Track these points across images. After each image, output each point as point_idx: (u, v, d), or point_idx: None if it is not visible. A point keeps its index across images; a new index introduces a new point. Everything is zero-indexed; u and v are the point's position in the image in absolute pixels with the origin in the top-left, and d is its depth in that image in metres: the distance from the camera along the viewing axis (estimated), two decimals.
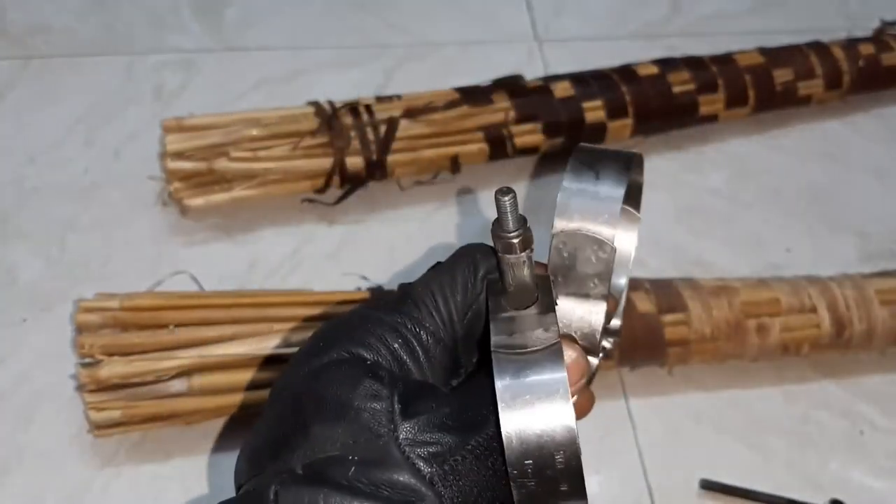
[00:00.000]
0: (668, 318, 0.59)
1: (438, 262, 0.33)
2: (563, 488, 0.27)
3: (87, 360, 0.53)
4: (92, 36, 0.76)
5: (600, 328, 0.31)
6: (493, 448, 0.28)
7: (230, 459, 0.32)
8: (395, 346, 0.30)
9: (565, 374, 0.27)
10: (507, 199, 0.28)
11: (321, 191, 0.66)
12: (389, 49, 0.79)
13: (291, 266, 0.64)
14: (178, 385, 0.53)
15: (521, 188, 0.71)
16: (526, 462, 0.27)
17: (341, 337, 0.30)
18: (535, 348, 0.28)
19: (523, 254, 0.29)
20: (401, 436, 0.27)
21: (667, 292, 0.60)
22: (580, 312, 0.31)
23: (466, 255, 0.32)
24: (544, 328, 0.28)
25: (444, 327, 0.31)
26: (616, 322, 0.36)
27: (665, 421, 0.60)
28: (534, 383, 0.27)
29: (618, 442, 0.59)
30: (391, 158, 0.66)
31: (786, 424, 0.61)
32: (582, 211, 0.30)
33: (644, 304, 0.59)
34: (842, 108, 0.81)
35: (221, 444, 0.55)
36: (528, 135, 0.69)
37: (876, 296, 0.63)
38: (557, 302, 0.30)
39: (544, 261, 0.31)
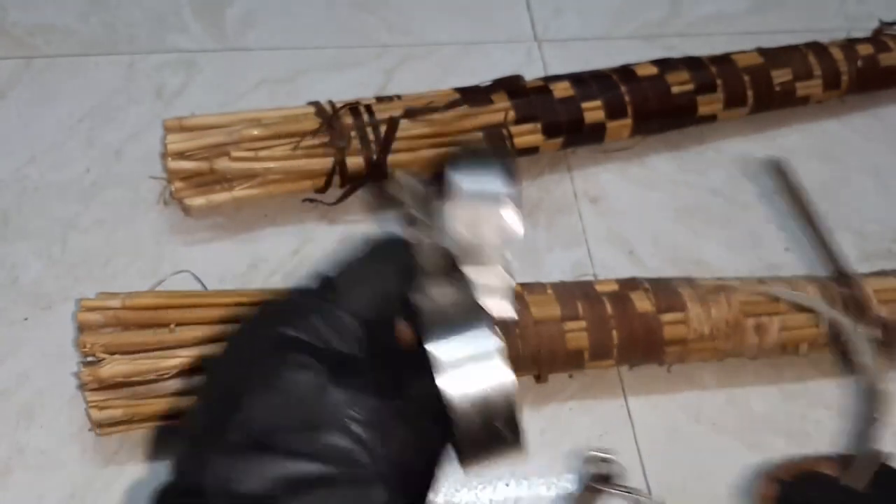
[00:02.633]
0: (667, 317, 0.60)
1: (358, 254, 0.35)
2: (497, 424, 0.30)
3: (89, 358, 0.53)
4: (93, 36, 0.76)
5: (511, 288, 0.34)
6: (421, 407, 0.30)
7: None
8: (317, 324, 0.31)
9: (488, 318, 0.31)
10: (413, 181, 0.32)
11: (322, 190, 0.67)
12: (389, 49, 0.79)
13: (292, 265, 0.65)
14: (179, 384, 0.53)
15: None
16: (463, 406, 0.30)
17: (267, 320, 0.32)
18: (458, 306, 0.31)
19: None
20: (331, 402, 0.29)
21: (666, 292, 0.61)
22: (486, 280, 0.34)
23: (381, 243, 0.35)
24: (462, 292, 0.32)
25: (363, 309, 0.33)
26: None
27: (664, 419, 0.61)
28: (460, 332, 0.30)
29: (617, 441, 0.59)
30: (391, 158, 0.66)
31: (784, 423, 0.61)
32: (472, 192, 0.34)
33: (643, 304, 0.60)
34: (840, 108, 0.81)
35: None
36: (528, 135, 0.70)
37: (874, 295, 0.63)
38: (466, 271, 0.34)
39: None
